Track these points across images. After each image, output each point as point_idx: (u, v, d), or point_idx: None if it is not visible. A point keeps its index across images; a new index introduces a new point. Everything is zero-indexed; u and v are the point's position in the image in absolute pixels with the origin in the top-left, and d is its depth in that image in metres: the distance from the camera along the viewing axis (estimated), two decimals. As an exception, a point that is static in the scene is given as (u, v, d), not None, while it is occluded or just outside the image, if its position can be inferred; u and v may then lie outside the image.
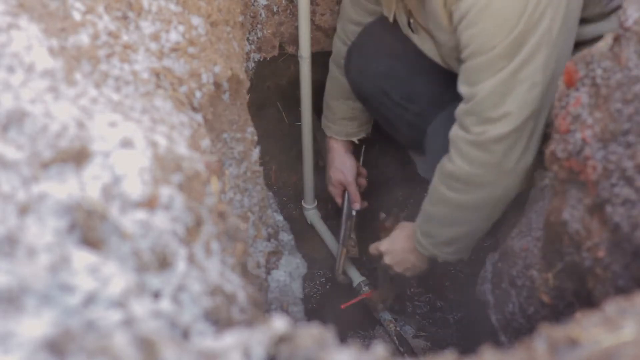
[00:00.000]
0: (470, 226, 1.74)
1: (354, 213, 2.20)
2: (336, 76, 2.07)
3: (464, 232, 1.76)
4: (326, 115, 2.16)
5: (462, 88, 1.58)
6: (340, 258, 2.21)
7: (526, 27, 1.43)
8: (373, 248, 2.04)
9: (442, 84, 1.78)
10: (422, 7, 1.65)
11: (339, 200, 2.22)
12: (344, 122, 2.14)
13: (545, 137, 1.53)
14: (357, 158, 2.23)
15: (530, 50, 1.45)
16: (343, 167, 2.17)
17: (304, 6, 1.99)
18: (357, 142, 2.19)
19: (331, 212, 2.49)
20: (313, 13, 2.25)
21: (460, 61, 1.59)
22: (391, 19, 1.76)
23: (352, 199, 2.18)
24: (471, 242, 1.79)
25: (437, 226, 1.78)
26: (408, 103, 2.01)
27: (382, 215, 2.26)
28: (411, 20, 1.75)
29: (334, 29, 2.16)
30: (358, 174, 2.20)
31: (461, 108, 1.60)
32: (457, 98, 1.62)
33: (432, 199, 1.75)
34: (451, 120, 1.65)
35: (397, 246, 1.95)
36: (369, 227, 2.37)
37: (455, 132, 1.63)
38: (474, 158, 1.59)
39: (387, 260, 1.98)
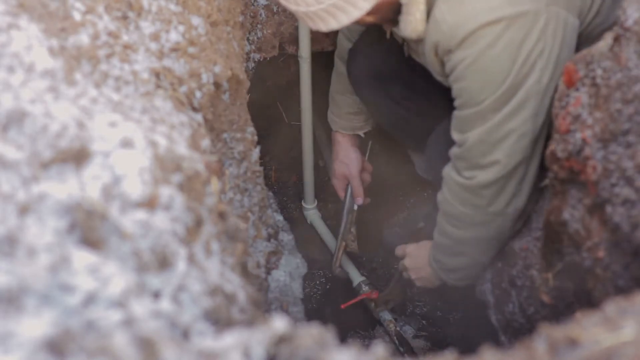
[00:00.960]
0: (471, 259, 1.79)
1: (355, 207, 2.19)
2: (341, 71, 2.07)
3: (466, 263, 1.80)
4: (332, 109, 2.17)
5: (454, 134, 1.60)
6: (339, 251, 2.21)
7: (514, 81, 1.44)
8: (400, 249, 2.07)
9: (443, 85, 1.79)
10: (417, 46, 1.67)
11: (341, 193, 2.22)
12: (349, 116, 2.14)
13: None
14: (362, 153, 2.23)
15: (518, 102, 1.46)
16: (348, 160, 2.17)
17: None
18: (363, 135, 2.19)
19: (331, 211, 2.49)
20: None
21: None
22: (388, 36, 1.77)
23: (355, 193, 2.18)
24: (475, 271, 1.84)
25: (443, 255, 1.83)
26: (409, 103, 2.01)
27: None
28: (404, 44, 1.76)
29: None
30: (363, 169, 2.20)
31: (454, 151, 1.63)
32: None
33: (438, 230, 1.80)
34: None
35: (420, 253, 1.98)
36: (371, 223, 2.37)
37: (448, 171, 1.67)
38: (465, 199, 1.64)
39: (406, 262, 2.02)
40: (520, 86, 1.44)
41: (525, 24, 1.40)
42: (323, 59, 2.32)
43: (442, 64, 1.55)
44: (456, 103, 1.56)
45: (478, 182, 1.58)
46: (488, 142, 1.52)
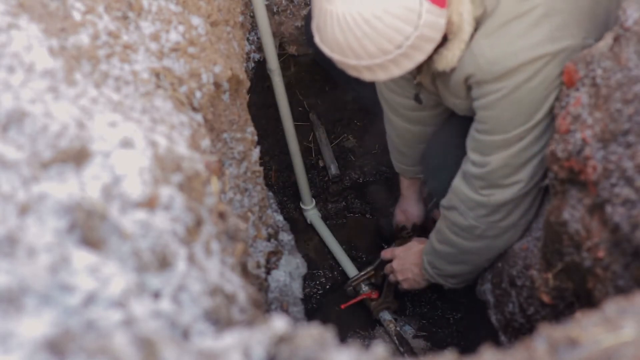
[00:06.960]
0: (473, 266, 1.79)
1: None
2: (402, 126, 1.96)
3: (468, 270, 1.81)
4: (401, 160, 2.10)
5: (472, 154, 1.58)
6: (358, 279, 2.21)
7: (545, 114, 1.44)
8: (388, 252, 2.08)
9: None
10: (438, 78, 1.63)
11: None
12: (417, 165, 2.09)
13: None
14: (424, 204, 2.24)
15: (544, 128, 1.46)
16: (407, 213, 2.21)
17: (263, 20, 1.93)
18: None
19: (331, 211, 2.49)
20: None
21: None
22: None
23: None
24: (475, 275, 1.85)
25: (442, 262, 1.83)
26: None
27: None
28: (419, 91, 1.72)
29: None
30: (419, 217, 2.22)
31: (470, 170, 1.60)
32: None
33: (439, 238, 1.79)
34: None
35: (409, 254, 2.00)
36: (372, 224, 2.37)
37: (461, 187, 1.65)
38: (479, 215, 1.63)
39: (394, 264, 2.03)
40: (548, 115, 1.45)
41: (565, 60, 1.39)
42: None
43: (469, 89, 1.53)
44: (480, 127, 1.54)
45: (496, 200, 1.58)
46: (512, 166, 1.52)
